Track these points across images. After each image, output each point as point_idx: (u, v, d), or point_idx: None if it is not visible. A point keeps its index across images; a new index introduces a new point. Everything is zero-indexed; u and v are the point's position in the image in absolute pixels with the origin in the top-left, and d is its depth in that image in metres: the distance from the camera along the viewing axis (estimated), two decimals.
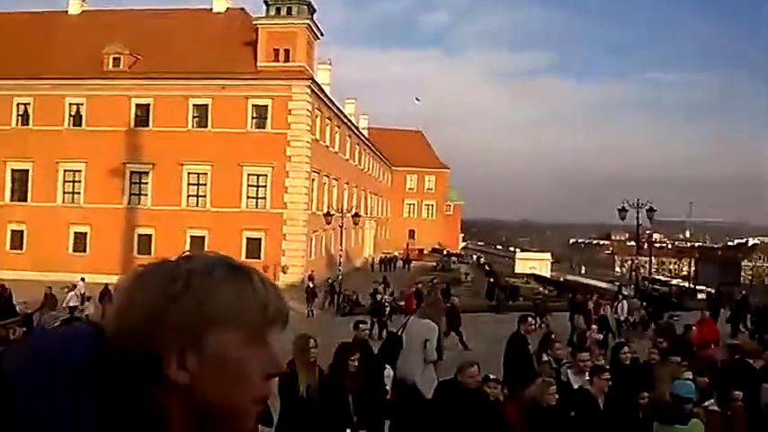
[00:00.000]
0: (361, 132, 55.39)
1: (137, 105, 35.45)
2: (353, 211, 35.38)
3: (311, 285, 26.75)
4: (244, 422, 0.80)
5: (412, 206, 78.00)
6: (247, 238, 34.17)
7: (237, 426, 0.80)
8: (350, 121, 49.60)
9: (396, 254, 57.23)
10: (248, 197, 35.16)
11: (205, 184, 35.14)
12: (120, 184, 35.35)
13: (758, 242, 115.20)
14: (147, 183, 35.62)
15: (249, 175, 34.96)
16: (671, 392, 5.39)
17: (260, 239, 34.57)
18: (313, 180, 37.22)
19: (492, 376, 6.14)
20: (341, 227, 32.16)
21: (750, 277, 79.18)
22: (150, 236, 34.50)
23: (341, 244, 33.14)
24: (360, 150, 53.86)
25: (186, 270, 0.80)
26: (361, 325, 8.02)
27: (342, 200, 43.30)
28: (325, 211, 34.52)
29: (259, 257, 32.44)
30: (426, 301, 9.37)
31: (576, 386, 6.35)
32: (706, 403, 5.68)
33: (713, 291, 33.73)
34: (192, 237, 33.87)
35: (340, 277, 30.24)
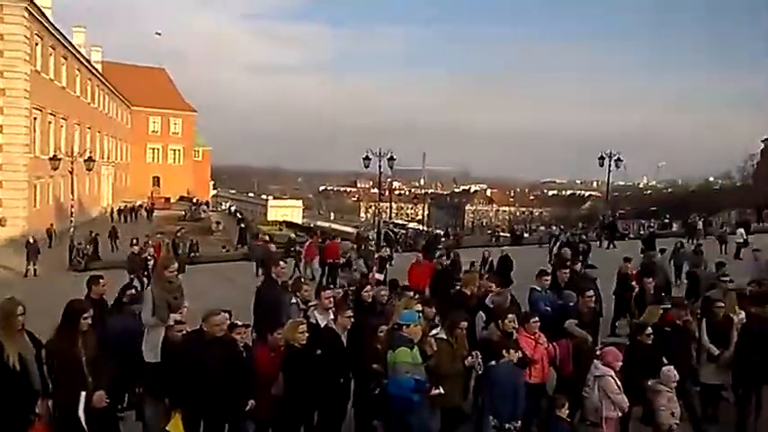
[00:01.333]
0: (93, 66, 49.57)
1: None
2: (87, 155, 31.72)
3: (32, 240, 23.67)
4: None
5: (156, 151, 72.92)
6: None
7: None
8: (79, 52, 44.01)
9: (139, 203, 53.56)
10: None
11: None
12: None
13: (478, 189, 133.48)
14: None
15: None
16: (397, 321, 6.03)
17: None
18: (35, 119, 32.87)
19: (239, 322, 6.14)
20: (71, 173, 28.75)
21: (472, 219, 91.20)
22: None
23: (72, 192, 29.67)
24: (92, 87, 48.38)
25: None
26: (101, 280, 7.28)
27: (72, 142, 38.73)
28: (52, 154, 30.54)
29: None
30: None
31: (322, 325, 6.65)
32: (434, 331, 6.39)
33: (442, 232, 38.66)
34: None
35: (72, 229, 27.27)
